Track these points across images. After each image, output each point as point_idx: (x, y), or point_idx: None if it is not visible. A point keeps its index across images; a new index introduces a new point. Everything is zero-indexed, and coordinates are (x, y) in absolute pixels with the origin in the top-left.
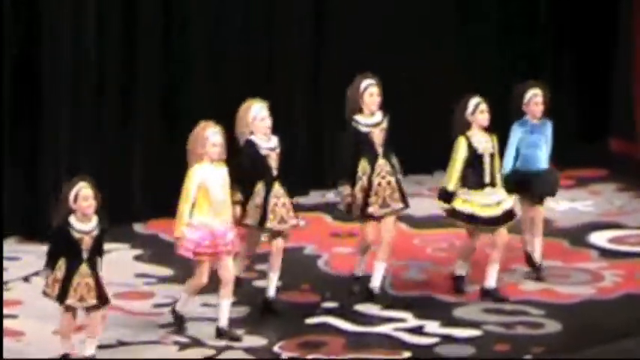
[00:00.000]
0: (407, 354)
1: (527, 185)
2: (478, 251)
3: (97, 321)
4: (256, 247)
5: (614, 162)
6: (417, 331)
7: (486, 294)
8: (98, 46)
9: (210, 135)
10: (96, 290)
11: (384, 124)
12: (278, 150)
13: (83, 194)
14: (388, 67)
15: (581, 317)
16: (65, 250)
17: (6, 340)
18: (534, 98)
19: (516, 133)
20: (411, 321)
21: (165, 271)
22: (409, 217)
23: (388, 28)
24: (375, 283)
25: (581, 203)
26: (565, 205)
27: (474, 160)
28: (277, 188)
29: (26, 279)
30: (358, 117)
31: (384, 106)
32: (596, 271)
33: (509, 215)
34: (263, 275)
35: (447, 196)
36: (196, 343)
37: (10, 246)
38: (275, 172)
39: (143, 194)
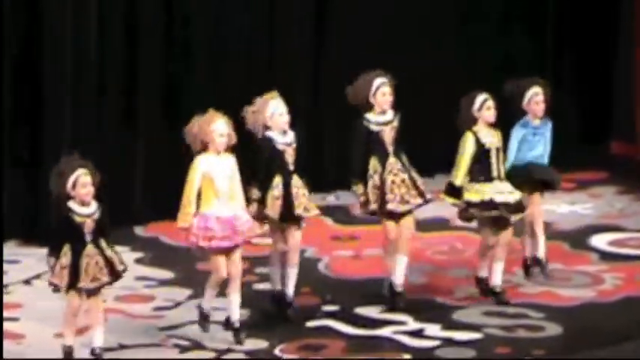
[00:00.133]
0: (407, 357)
1: (527, 173)
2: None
3: (100, 306)
4: (282, 245)
5: (614, 164)
6: (418, 334)
7: (490, 293)
8: (99, 46)
9: (217, 125)
10: (107, 267)
11: (395, 123)
12: (294, 145)
13: (82, 181)
14: (388, 67)
15: (581, 320)
16: (68, 235)
17: (6, 343)
18: (535, 97)
19: (517, 135)
20: (412, 324)
21: (166, 274)
22: None
23: (388, 28)
24: (399, 280)
25: (581, 206)
26: (565, 208)
27: (482, 154)
28: (295, 179)
29: (27, 282)
30: (369, 115)
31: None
32: (597, 274)
33: (520, 206)
34: (263, 278)
35: (453, 191)
36: (197, 345)
37: (10, 249)
38: (292, 167)
39: (144, 196)
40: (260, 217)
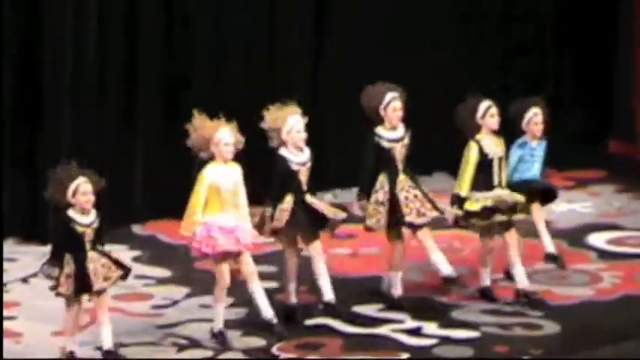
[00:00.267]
0: (405, 355)
1: (527, 186)
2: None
3: (106, 304)
4: (296, 259)
5: (613, 163)
6: (415, 332)
7: (521, 295)
8: (99, 46)
9: (223, 134)
10: (114, 264)
11: (406, 140)
12: (309, 164)
13: (82, 189)
14: (388, 67)
15: (579, 319)
16: (69, 245)
17: (5, 342)
18: (534, 118)
19: (515, 155)
20: (409, 322)
21: (164, 273)
22: None
23: (388, 28)
24: (446, 270)
25: (580, 204)
26: (564, 207)
27: (484, 165)
28: (310, 199)
29: (25, 280)
30: (380, 131)
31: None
32: (595, 273)
33: (521, 206)
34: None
35: (460, 202)
36: (194, 344)
37: (9, 247)
38: (305, 187)
39: (142, 195)
40: (272, 233)
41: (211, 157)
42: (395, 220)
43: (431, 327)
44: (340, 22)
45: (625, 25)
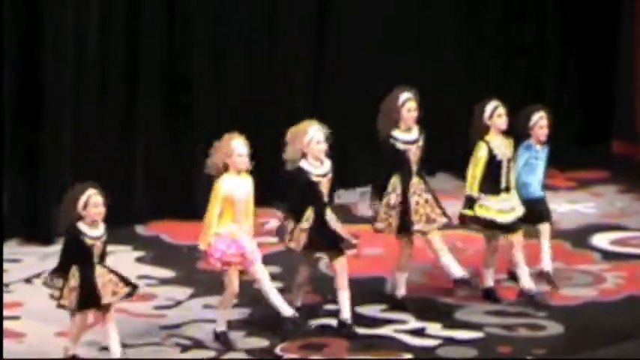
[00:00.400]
0: (408, 356)
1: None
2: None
3: (112, 319)
4: (309, 271)
5: (615, 164)
6: (419, 333)
7: (524, 296)
8: (99, 46)
9: (236, 145)
10: (122, 281)
11: (421, 142)
12: (330, 175)
13: (93, 201)
14: (388, 67)
15: (583, 319)
16: (77, 257)
17: (7, 342)
18: (540, 121)
19: (522, 158)
20: (413, 323)
21: (167, 273)
22: None
23: (388, 27)
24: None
25: (582, 205)
26: (567, 207)
27: (493, 166)
28: (330, 216)
29: (27, 280)
30: (396, 133)
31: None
32: (598, 273)
33: (520, 222)
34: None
35: (472, 203)
36: (197, 344)
37: (12, 248)
38: (325, 199)
39: (145, 195)
40: (285, 244)
41: (225, 169)
42: (405, 227)
43: (435, 328)
44: (341, 22)
45: (627, 25)
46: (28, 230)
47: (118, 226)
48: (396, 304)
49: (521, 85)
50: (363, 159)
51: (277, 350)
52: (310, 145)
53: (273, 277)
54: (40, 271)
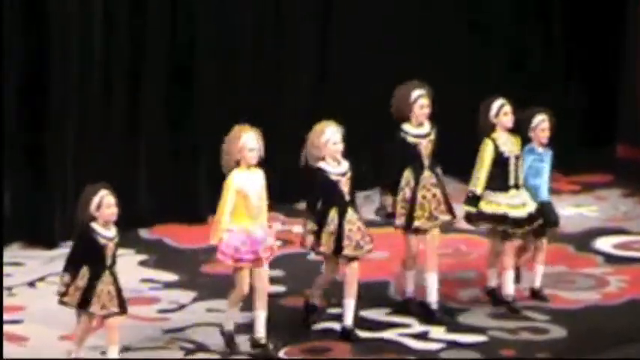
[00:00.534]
0: (412, 359)
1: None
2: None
3: (115, 328)
4: (333, 274)
5: (619, 167)
6: (423, 336)
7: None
8: (105, 48)
9: (246, 139)
10: (117, 298)
11: (432, 136)
12: (349, 174)
13: (107, 202)
14: (389, 66)
15: (586, 323)
16: (89, 257)
17: (10, 345)
18: (541, 124)
19: (526, 161)
20: (417, 326)
21: (171, 277)
22: None
23: (388, 28)
24: (432, 298)
25: (586, 209)
26: (570, 211)
27: (500, 163)
28: (351, 214)
29: (31, 284)
30: (407, 127)
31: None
32: (601, 277)
33: (534, 218)
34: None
35: (474, 200)
36: (201, 348)
37: (15, 252)
38: (347, 198)
39: (149, 199)
40: (314, 250)
41: (237, 164)
42: (408, 222)
43: (438, 331)
44: (346, 23)
45: (631, 28)
46: (31, 234)
47: (122, 230)
48: (400, 307)
49: (526, 87)
50: (366, 160)
51: (281, 354)
52: (327, 146)
53: (276, 280)
54: (44, 275)
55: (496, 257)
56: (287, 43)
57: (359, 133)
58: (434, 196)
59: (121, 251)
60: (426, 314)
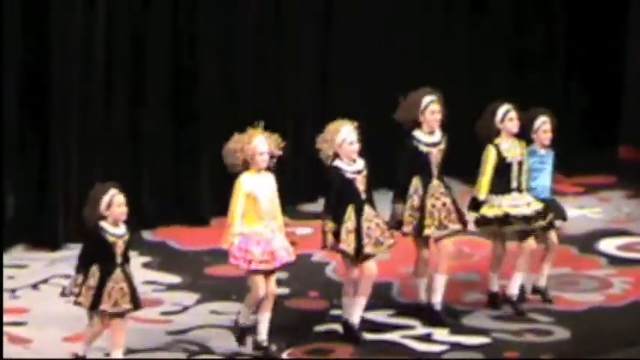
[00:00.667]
0: None
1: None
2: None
3: (122, 329)
4: (353, 272)
5: (622, 169)
6: (426, 338)
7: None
8: (105, 48)
9: (257, 143)
10: (130, 295)
11: (443, 145)
12: (365, 172)
13: (117, 201)
14: (389, 67)
15: (589, 324)
16: (99, 255)
17: (14, 347)
18: (543, 126)
19: (528, 163)
20: (420, 328)
21: (174, 279)
22: None
23: (388, 28)
24: (437, 299)
25: (589, 210)
26: (574, 212)
27: (502, 168)
28: (368, 211)
29: (34, 286)
30: (418, 134)
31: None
32: (605, 279)
33: (540, 215)
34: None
35: (477, 205)
36: (204, 350)
37: (18, 253)
38: (364, 196)
39: (152, 201)
40: (335, 249)
41: (245, 167)
42: (417, 230)
43: (442, 333)
44: (347, 23)
45: (634, 29)
46: (34, 236)
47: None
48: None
49: (529, 89)
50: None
51: (284, 356)
52: (343, 146)
53: (280, 282)
54: (47, 277)
55: (498, 261)
56: (287, 43)
57: (359, 133)
58: (444, 205)
59: None
60: (436, 321)
